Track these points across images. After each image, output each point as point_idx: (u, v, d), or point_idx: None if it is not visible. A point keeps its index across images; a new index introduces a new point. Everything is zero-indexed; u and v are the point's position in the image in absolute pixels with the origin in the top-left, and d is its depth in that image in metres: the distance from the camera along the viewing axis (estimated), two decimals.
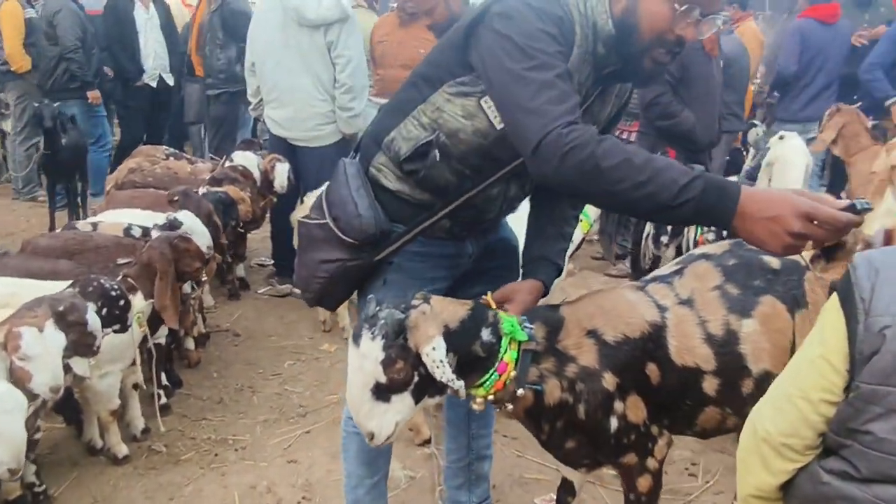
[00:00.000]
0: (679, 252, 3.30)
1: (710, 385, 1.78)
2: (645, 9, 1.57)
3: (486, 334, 1.62)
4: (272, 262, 4.98)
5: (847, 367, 1.11)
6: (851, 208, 1.31)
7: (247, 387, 3.48)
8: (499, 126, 1.65)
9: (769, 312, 1.84)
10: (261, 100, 4.48)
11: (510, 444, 2.97)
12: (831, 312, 1.16)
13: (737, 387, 1.81)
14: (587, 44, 1.63)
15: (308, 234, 1.90)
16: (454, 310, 1.63)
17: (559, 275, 1.95)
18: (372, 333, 1.52)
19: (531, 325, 1.68)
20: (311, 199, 3.50)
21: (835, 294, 1.18)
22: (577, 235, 3.18)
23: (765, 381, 1.86)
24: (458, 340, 1.58)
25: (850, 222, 1.30)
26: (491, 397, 1.64)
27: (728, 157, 4.89)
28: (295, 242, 2.10)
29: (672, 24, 1.56)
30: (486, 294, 1.81)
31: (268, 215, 4.73)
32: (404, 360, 1.52)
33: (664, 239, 3.30)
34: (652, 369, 1.75)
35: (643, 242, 3.39)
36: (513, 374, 1.62)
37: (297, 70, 4.13)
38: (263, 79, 4.33)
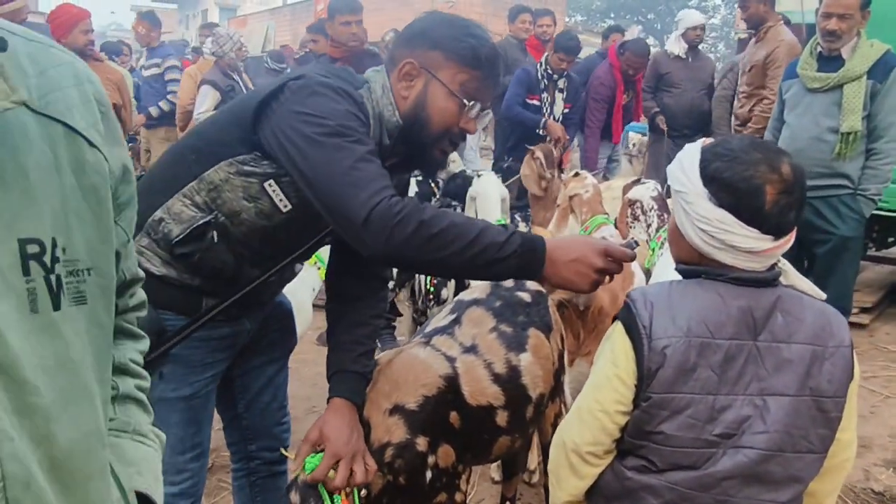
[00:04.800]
0: (413, 294, 3.53)
1: (502, 418, 1.98)
2: (434, 105, 1.64)
3: None
4: None
5: (635, 382, 1.34)
6: (628, 247, 1.60)
7: None
8: (284, 209, 1.60)
9: (536, 343, 2.12)
10: None
11: None
12: (618, 338, 1.38)
13: (522, 414, 2.04)
14: (376, 135, 1.65)
15: None
16: None
17: (368, 381, 1.83)
18: None
19: None
20: None
21: (618, 323, 1.42)
22: (317, 283, 3.23)
23: (540, 403, 2.16)
24: None
25: (632, 256, 1.58)
26: None
27: None
28: None
29: (458, 118, 1.67)
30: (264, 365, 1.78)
31: None
32: None
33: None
34: (454, 417, 1.89)
35: None
36: None
37: None
38: None
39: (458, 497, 1.96)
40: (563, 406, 2.47)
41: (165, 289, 1.63)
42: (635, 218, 3.45)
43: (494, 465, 2.84)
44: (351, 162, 1.46)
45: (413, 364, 1.90)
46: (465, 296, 2.27)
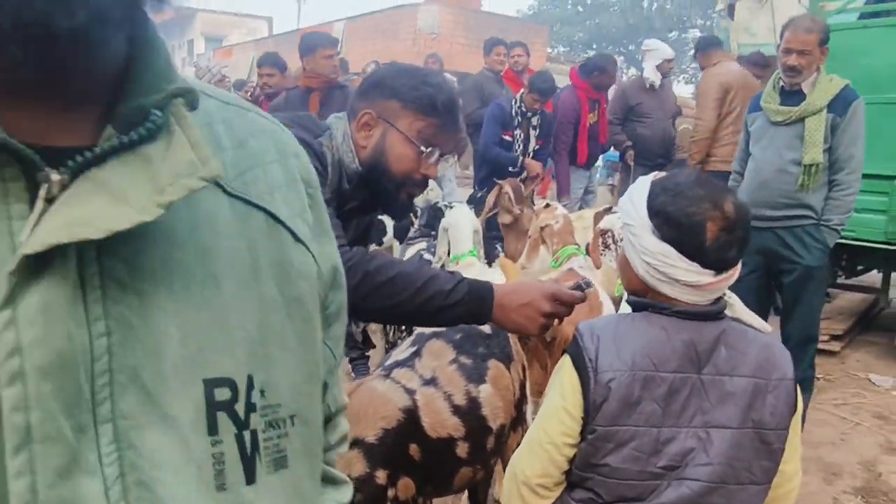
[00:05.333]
0: (385, 326, 3.55)
1: (462, 449, 2.00)
2: (392, 152, 1.68)
3: None
4: None
5: (582, 414, 1.37)
6: (578, 288, 1.63)
7: None
8: None
9: (496, 374, 2.14)
10: None
11: None
12: (566, 371, 1.41)
13: (483, 445, 2.05)
14: (334, 181, 1.69)
15: None
16: None
17: None
18: None
19: None
20: None
21: (567, 356, 1.44)
22: None
23: (501, 434, 2.17)
24: None
25: (581, 298, 1.62)
26: None
27: None
28: None
29: (418, 164, 1.70)
30: None
31: None
32: None
33: None
34: (414, 449, 1.90)
35: None
36: None
37: None
38: None
39: None
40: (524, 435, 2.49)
41: None
42: (606, 246, 3.49)
43: (464, 495, 2.84)
44: None
45: (372, 397, 1.92)
46: (426, 328, 2.29)
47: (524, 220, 4.67)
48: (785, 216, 3.45)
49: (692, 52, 7.19)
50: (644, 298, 1.44)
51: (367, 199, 1.79)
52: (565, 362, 1.43)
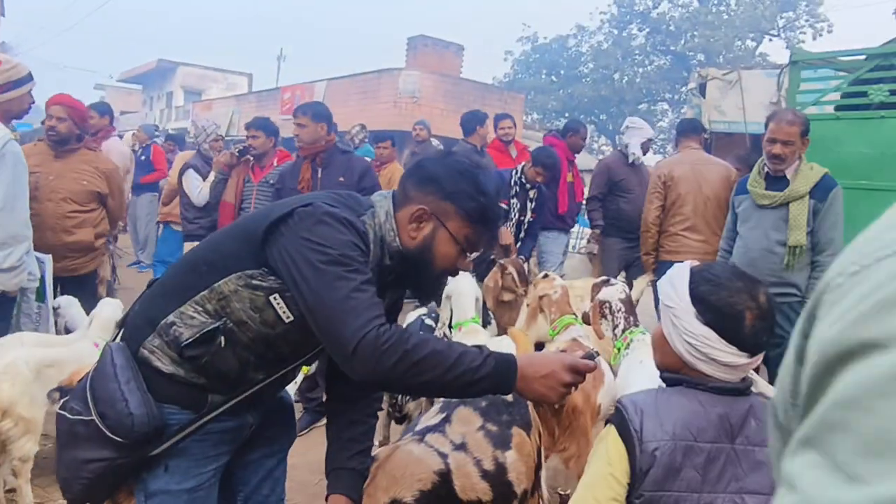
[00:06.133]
0: None
1: None
2: (439, 249, 1.80)
3: None
4: None
5: (628, 480, 1.50)
6: (589, 357, 1.78)
7: None
8: (287, 320, 1.72)
9: (519, 441, 2.27)
10: None
11: None
12: (612, 441, 1.54)
13: None
14: (376, 257, 1.78)
15: (70, 430, 1.73)
16: None
17: (364, 477, 1.98)
18: None
19: None
20: None
21: (611, 426, 1.58)
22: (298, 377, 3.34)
23: (524, 498, 2.28)
24: None
25: (594, 367, 1.76)
26: None
27: None
28: None
29: (457, 262, 1.84)
30: (264, 458, 1.86)
31: None
32: None
33: None
34: None
35: None
36: None
37: None
38: None
39: None
40: (540, 499, 2.60)
41: (172, 385, 1.74)
42: (603, 316, 3.66)
43: None
44: (347, 291, 1.59)
45: (409, 460, 2.03)
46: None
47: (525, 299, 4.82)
48: (773, 294, 3.68)
49: (659, 123, 7.53)
50: (678, 374, 1.60)
51: (403, 274, 1.90)
52: (610, 432, 1.56)
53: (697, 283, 1.55)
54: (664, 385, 1.64)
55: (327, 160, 4.61)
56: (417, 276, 1.87)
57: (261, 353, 1.77)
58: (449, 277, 4.16)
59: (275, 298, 1.70)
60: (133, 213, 9.02)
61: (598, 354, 1.87)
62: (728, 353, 1.51)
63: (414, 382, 1.62)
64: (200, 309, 1.72)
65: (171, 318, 1.73)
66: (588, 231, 9.68)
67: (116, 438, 1.67)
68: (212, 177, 6.24)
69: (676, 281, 1.59)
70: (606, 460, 1.53)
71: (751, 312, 1.51)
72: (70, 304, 4.43)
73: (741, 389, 1.56)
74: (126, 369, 1.71)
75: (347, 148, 5.08)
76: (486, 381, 1.63)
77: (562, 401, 1.76)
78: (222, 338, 1.71)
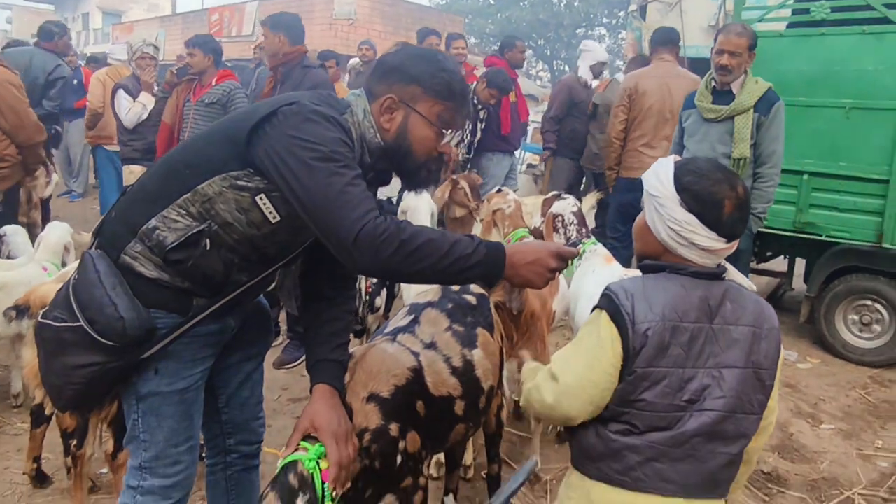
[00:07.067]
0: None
1: (459, 407, 2.19)
2: (415, 135, 1.81)
3: (300, 503, 1.71)
4: None
5: (620, 361, 1.60)
6: (572, 245, 1.85)
7: None
8: (273, 220, 1.72)
9: (484, 340, 2.36)
10: None
11: None
12: (604, 325, 1.62)
13: (476, 404, 2.26)
14: (358, 155, 1.78)
15: (56, 337, 1.72)
16: None
17: (345, 369, 2.00)
18: None
19: None
20: None
21: (600, 312, 1.65)
22: None
23: (490, 394, 2.38)
24: None
25: (577, 253, 1.83)
26: None
27: None
28: None
29: (437, 144, 1.85)
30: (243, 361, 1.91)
31: None
32: None
33: None
34: (420, 405, 2.08)
35: None
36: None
37: None
38: None
39: (422, 481, 2.15)
40: (503, 398, 2.71)
41: (157, 290, 1.73)
42: (555, 230, 3.75)
43: (433, 460, 3.04)
44: (341, 186, 1.60)
45: (384, 357, 2.09)
46: (418, 299, 2.48)
47: (478, 214, 4.87)
48: None
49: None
50: (658, 261, 1.69)
51: (383, 172, 1.92)
52: (602, 318, 1.64)
53: (682, 175, 1.64)
54: (641, 274, 1.73)
55: (286, 74, 4.47)
56: (403, 168, 1.88)
57: (246, 254, 1.77)
58: (405, 194, 4.20)
59: (261, 199, 1.70)
60: (65, 140, 8.60)
61: (578, 244, 1.92)
62: (707, 238, 1.61)
63: (411, 270, 1.64)
64: (184, 212, 1.70)
65: (153, 222, 1.70)
66: (530, 156, 9.77)
67: (107, 343, 1.66)
68: (142, 97, 6.00)
69: (661, 173, 1.67)
70: (598, 344, 1.62)
71: (730, 201, 1.60)
72: (15, 232, 4.32)
73: (717, 274, 1.67)
74: (110, 275, 1.69)
75: (312, 64, 4.87)
76: (478, 268, 1.67)
77: (545, 286, 1.83)
78: (207, 240, 1.71)
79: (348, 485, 1.83)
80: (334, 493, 1.75)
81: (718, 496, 1.67)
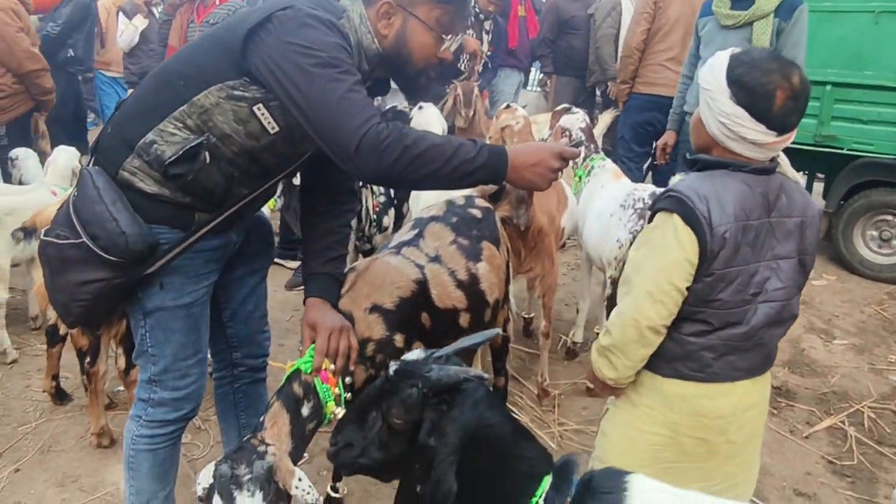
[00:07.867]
0: (359, 220, 3.66)
1: (464, 320, 2.19)
2: (414, 41, 1.76)
3: (306, 410, 1.76)
4: None
5: (696, 262, 1.60)
6: (575, 145, 1.81)
7: None
8: (272, 131, 1.69)
9: (490, 254, 2.33)
10: None
11: None
12: (680, 229, 1.60)
13: (481, 317, 2.25)
14: (356, 62, 1.72)
15: (60, 255, 1.70)
16: (279, 429, 1.71)
17: (339, 283, 2.00)
18: (249, 491, 1.56)
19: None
20: None
21: (672, 215, 1.62)
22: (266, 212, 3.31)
23: (496, 308, 2.38)
24: (296, 442, 1.73)
25: (579, 154, 1.77)
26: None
27: None
28: None
29: (436, 50, 1.79)
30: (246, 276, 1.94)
31: None
32: (280, 500, 1.60)
33: None
34: (424, 317, 2.08)
35: None
36: (339, 410, 1.79)
37: None
38: None
39: None
40: (508, 311, 2.71)
41: (159, 206, 1.71)
42: None
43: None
44: (341, 93, 1.56)
45: (388, 269, 2.08)
46: (423, 214, 2.45)
47: (479, 124, 4.79)
48: None
49: None
50: (710, 156, 1.68)
51: (381, 80, 1.87)
52: (674, 221, 1.61)
53: (734, 66, 1.60)
54: (689, 172, 1.74)
55: None
56: (402, 76, 1.84)
57: (245, 167, 1.74)
58: (415, 110, 4.12)
59: (258, 109, 1.66)
60: None
61: (581, 144, 1.88)
62: (756, 132, 1.58)
63: (416, 176, 1.62)
64: (181, 125, 1.66)
65: (150, 136, 1.67)
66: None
67: (111, 258, 1.65)
68: (136, 20, 5.88)
69: (716, 66, 1.64)
70: (677, 247, 1.61)
71: (782, 92, 1.55)
72: (27, 157, 4.33)
73: (772, 169, 1.67)
74: (109, 191, 1.66)
75: None
76: (481, 171, 1.65)
77: (548, 187, 1.79)
78: (206, 153, 1.68)
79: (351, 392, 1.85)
80: (335, 392, 1.79)
81: (769, 368, 1.81)
